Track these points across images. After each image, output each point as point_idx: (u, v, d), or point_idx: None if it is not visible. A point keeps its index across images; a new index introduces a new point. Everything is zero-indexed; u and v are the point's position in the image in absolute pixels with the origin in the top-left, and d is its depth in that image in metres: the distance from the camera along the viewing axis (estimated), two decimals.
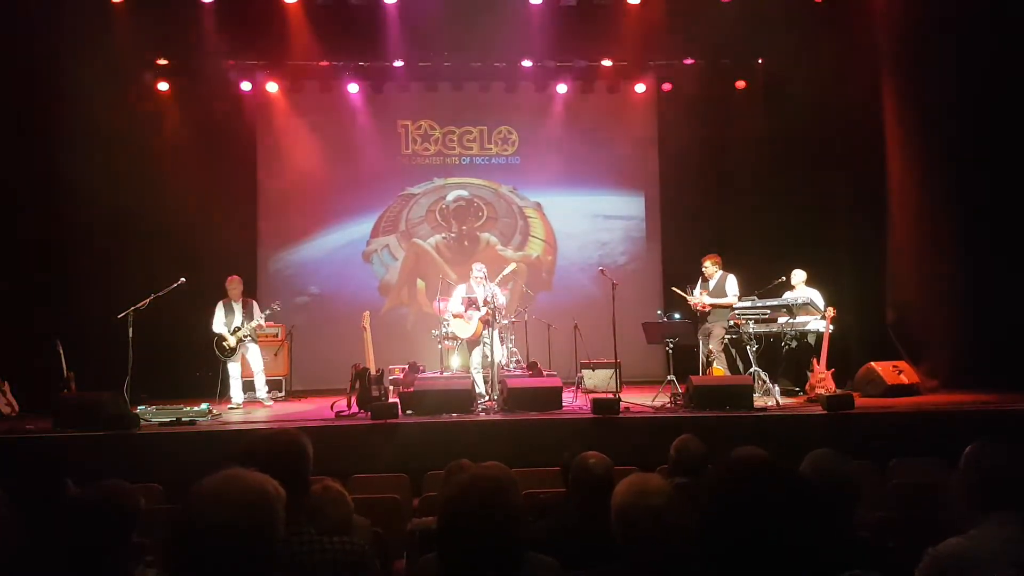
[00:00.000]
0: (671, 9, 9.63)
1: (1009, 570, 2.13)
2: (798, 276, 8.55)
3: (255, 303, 8.73)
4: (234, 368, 8.44)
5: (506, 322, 8.87)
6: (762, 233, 10.29)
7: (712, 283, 8.35)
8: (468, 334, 8.22)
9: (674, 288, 8.76)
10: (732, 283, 8.29)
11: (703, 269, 8.43)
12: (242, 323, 8.43)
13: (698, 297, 8.34)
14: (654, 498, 2.21)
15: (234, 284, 8.59)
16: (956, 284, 8.51)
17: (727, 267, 8.47)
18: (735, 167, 10.69)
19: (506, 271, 8.70)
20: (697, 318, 8.52)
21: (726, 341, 8.26)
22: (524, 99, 11.41)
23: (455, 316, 8.30)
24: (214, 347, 8.39)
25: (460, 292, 8.36)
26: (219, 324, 8.43)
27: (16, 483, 2.99)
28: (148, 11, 9.18)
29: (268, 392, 8.74)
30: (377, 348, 7.86)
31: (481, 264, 8.48)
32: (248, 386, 8.61)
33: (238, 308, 8.53)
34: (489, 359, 7.91)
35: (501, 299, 8.35)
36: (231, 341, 8.34)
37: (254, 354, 8.56)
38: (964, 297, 8.42)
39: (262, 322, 8.62)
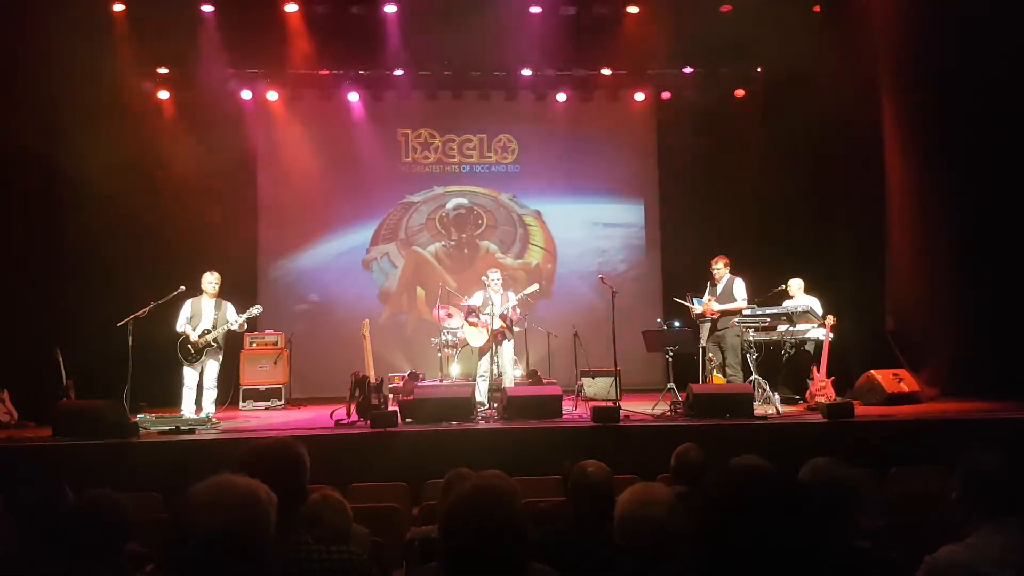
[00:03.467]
0: (670, 18, 9.66)
1: None
2: (796, 285, 8.54)
3: (230, 305, 7.81)
4: (190, 376, 7.58)
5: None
6: (762, 241, 10.30)
7: (720, 287, 8.26)
8: (479, 343, 8.17)
9: (676, 299, 8.74)
10: (740, 287, 8.16)
11: (713, 271, 8.34)
12: (213, 326, 7.58)
13: (704, 303, 8.21)
14: (657, 508, 2.20)
15: (212, 279, 7.70)
16: (956, 292, 8.51)
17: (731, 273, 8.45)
18: (734, 175, 10.69)
19: (528, 291, 8.39)
20: (698, 326, 8.50)
21: (750, 341, 7.90)
22: (524, 108, 11.44)
23: (470, 324, 8.24)
24: (177, 349, 7.56)
25: (476, 300, 8.25)
26: (183, 323, 7.57)
27: (15, 492, 2.99)
28: (149, 20, 9.21)
29: (214, 410, 7.71)
30: (377, 356, 7.84)
31: (497, 271, 8.40)
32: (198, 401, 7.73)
33: (209, 308, 7.66)
34: (497, 367, 7.97)
35: (510, 306, 8.24)
36: (196, 340, 7.50)
37: (213, 365, 7.65)
38: (964, 305, 8.41)
39: (235, 326, 7.66)
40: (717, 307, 8.10)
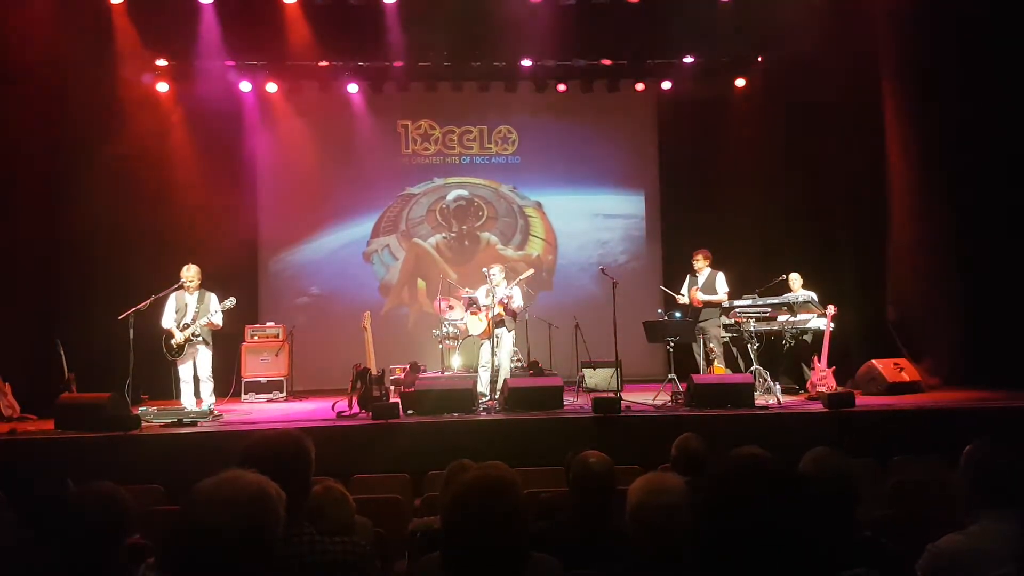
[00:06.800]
0: (670, 8, 9.61)
1: (1008, 565, 2.14)
2: (796, 281, 8.55)
3: (213, 296, 7.65)
4: (184, 370, 7.52)
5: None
6: (762, 231, 10.29)
7: (701, 279, 8.29)
8: (479, 331, 8.21)
9: (662, 288, 8.76)
10: (722, 281, 8.20)
11: (693, 264, 8.38)
12: (193, 319, 7.46)
13: (689, 293, 8.26)
14: (670, 497, 2.21)
15: (190, 272, 7.56)
16: (957, 282, 8.51)
17: (729, 264, 8.44)
18: (735, 165, 10.68)
19: (524, 276, 8.48)
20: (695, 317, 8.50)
21: (726, 339, 8.24)
22: (524, 98, 11.40)
23: (471, 313, 8.33)
24: (162, 346, 7.45)
25: (480, 294, 8.31)
26: (169, 318, 7.46)
27: (17, 485, 2.99)
28: (147, 12, 9.18)
29: (214, 401, 7.64)
30: (378, 348, 7.85)
31: (496, 266, 8.37)
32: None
33: (192, 301, 7.54)
34: (497, 358, 7.96)
35: (518, 301, 8.23)
36: (178, 338, 7.37)
37: (203, 357, 7.56)
38: (965, 294, 8.41)
39: (215, 319, 7.52)
40: (703, 297, 8.14)
